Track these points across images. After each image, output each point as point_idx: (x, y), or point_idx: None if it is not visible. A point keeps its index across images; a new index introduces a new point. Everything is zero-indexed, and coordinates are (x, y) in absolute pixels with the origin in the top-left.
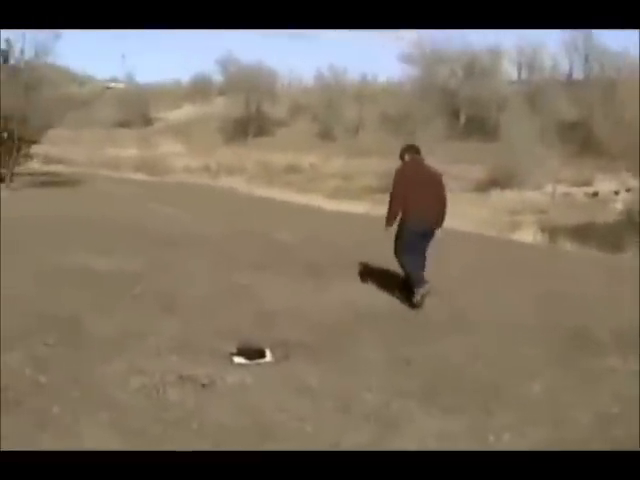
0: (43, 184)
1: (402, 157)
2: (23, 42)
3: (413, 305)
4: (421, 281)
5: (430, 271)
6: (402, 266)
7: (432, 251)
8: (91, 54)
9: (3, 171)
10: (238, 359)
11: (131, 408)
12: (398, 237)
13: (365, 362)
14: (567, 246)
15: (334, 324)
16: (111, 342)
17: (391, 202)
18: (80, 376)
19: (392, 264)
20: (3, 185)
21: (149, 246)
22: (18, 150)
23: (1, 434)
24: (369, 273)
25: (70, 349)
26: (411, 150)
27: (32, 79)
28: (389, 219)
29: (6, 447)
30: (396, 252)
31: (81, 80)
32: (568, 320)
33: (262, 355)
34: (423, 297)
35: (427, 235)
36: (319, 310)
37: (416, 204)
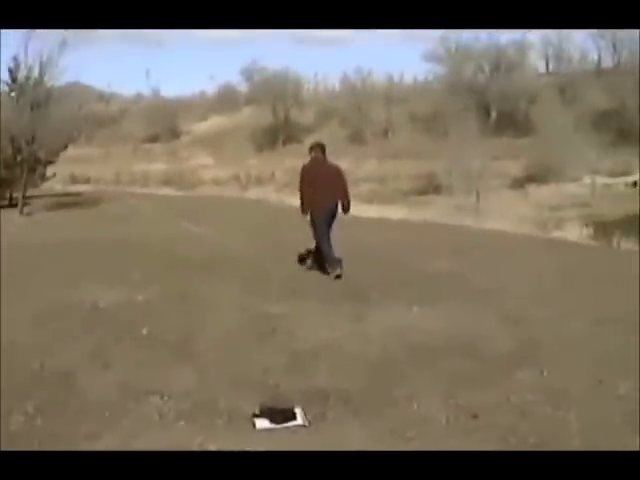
0: (62, 206)
1: (309, 153)
2: (25, 59)
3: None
4: (335, 262)
5: (489, 284)
6: (320, 249)
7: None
8: (115, 71)
9: (15, 195)
10: (261, 423)
11: None
12: (312, 225)
13: (421, 418)
14: (618, 243)
15: (381, 364)
16: (105, 405)
17: (300, 194)
18: None
19: (444, 280)
20: (16, 210)
21: (166, 272)
22: (32, 171)
23: None
24: (418, 292)
25: (53, 419)
26: (316, 148)
27: (39, 97)
28: (303, 208)
29: None
30: (315, 237)
31: (107, 97)
32: None
33: (292, 416)
34: (339, 275)
35: (331, 218)
36: (362, 346)
37: (318, 194)
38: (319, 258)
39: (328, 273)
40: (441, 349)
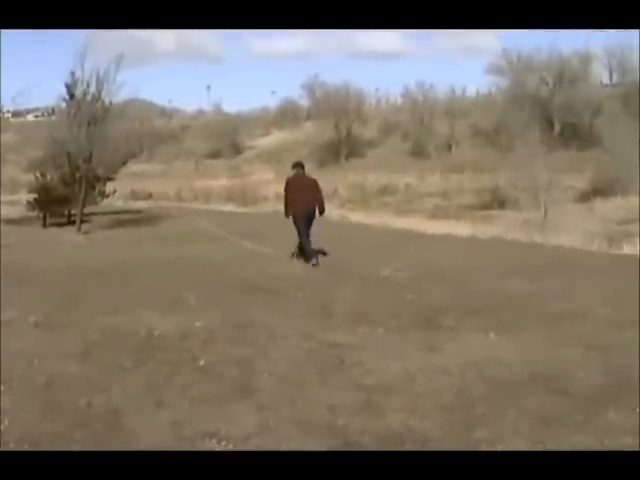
0: (121, 223)
1: (292, 170)
2: (82, 74)
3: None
4: (312, 254)
5: (567, 307)
6: (301, 244)
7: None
8: (176, 87)
9: (74, 212)
10: None
11: None
12: (295, 224)
13: None
14: None
15: (459, 401)
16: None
17: (285, 201)
18: None
19: (519, 303)
20: (74, 228)
21: (227, 295)
22: (91, 188)
23: None
24: (493, 317)
25: None
26: (296, 166)
27: (96, 113)
28: (285, 212)
29: None
30: (298, 234)
31: (169, 113)
32: None
33: None
34: (315, 264)
35: (309, 220)
36: (438, 380)
37: (297, 202)
38: (302, 251)
39: (309, 262)
40: (524, 383)
